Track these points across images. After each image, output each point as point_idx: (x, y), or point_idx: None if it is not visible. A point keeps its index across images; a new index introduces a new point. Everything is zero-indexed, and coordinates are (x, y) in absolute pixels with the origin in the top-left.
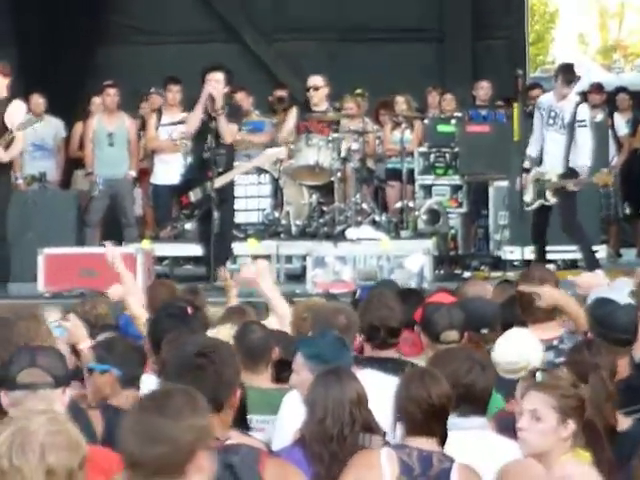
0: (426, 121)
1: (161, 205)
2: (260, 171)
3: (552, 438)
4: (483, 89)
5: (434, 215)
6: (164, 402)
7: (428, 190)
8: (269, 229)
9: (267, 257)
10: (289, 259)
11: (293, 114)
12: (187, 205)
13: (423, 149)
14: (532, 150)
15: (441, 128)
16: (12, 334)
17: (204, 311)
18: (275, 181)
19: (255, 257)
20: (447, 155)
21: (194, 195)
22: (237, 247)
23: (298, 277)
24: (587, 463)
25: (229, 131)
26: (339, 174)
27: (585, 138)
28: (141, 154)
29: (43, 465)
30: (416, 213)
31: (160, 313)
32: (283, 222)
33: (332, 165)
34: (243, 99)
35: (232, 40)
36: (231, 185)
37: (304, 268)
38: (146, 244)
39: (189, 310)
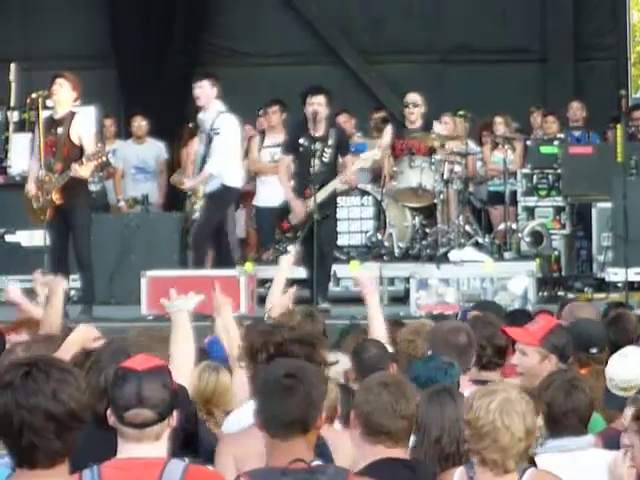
0: (529, 142)
1: (264, 227)
2: (363, 193)
3: None
4: (572, 110)
5: (537, 237)
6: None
7: (531, 212)
8: (372, 251)
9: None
10: (392, 281)
11: (388, 131)
12: (288, 229)
13: (526, 170)
14: None
15: (544, 149)
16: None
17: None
18: (378, 203)
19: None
20: (550, 176)
21: (294, 218)
22: (340, 269)
23: (401, 299)
24: None
25: (349, 175)
26: (442, 196)
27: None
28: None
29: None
30: (519, 235)
31: None
32: (386, 244)
33: (435, 187)
34: (346, 121)
35: (333, 62)
36: (333, 204)
37: (407, 290)
38: (249, 267)
39: None
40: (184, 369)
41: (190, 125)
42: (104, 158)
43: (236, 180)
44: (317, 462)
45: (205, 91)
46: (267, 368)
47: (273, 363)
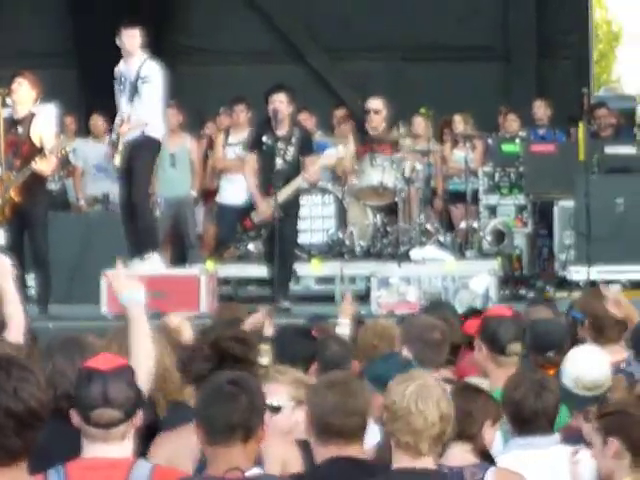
0: (490, 141)
1: (225, 225)
2: (324, 191)
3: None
4: (539, 108)
5: (499, 235)
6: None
7: (492, 210)
8: (333, 250)
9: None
10: (353, 280)
11: (351, 137)
12: (251, 227)
13: (487, 169)
14: None
15: (505, 148)
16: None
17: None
18: (339, 201)
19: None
20: (512, 175)
21: (257, 216)
22: (301, 268)
23: (362, 298)
24: None
25: (312, 173)
26: (403, 194)
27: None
28: (209, 174)
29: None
30: (481, 233)
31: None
32: (347, 242)
33: (396, 185)
34: (306, 119)
35: (296, 60)
36: (295, 202)
37: (368, 289)
38: (210, 265)
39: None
40: (144, 366)
41: None
42: (65, 150)
43: (159, 131)
44: (255, 471)
45: (132, 40)
46: (211, 376)
47: (217, 372)
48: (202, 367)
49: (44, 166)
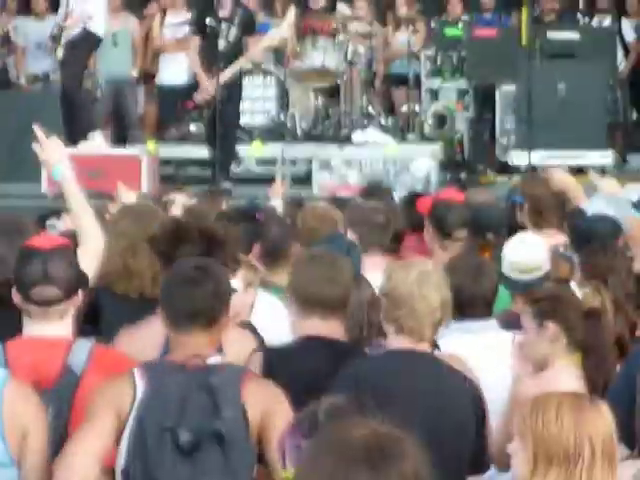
0: (433, 24)
1: (166, 106)
2: (266, 73)
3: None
4: None
5: (441, 119)
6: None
7: (434, 94)
8: (274, 131)
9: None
10: (294, 162)
11: (291, 10)
12: (194, 108)
13: (430, 52)
14: None
15: (448, 32)
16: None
17: None
18: (281, 83)
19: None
20: (454, 59)
21: (200, 95)
22: (242, 149)
23: (304, 180)
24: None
25: (255, 53)
26: (345, 77)
27: None
28: (148, 55)
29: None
30: (422, 117)
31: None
32: (288, 124)
33: (338, 68)
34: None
35: None
36: (237, 84)
37: (310, 171)
38: (151, 146)
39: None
40: (91, 252)
41: None
42: (3, 29)
43: (100, 26)
44: (215, 358)
45: None
46: (177, 263)
47: (183, 259)
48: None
49: None
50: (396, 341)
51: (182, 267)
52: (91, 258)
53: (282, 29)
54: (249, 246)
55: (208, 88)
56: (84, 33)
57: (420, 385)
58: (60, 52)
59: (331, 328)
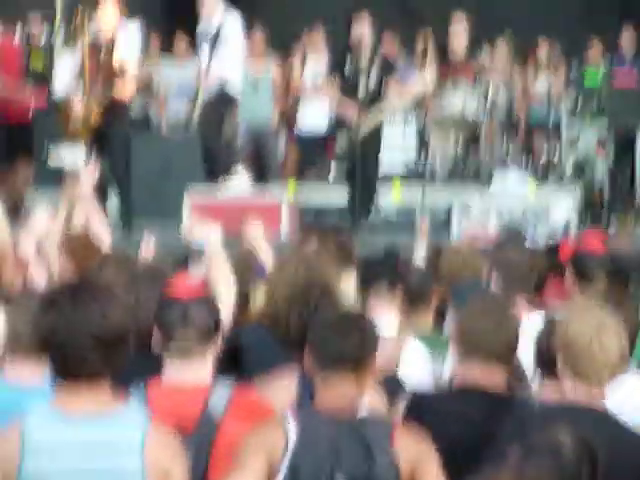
0: (573, 69)
1: (306, 152)
2: (405, 121)
3: None
4: (624, 35)
5: (581, 165)
6: None
7: (575, 140)
8: (414, 177)
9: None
10: (434, 208)
11: (432, 57)
12: (332, 157)
13: (570, 97)
14: None
15: (589, 76)
16: None
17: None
18: (421, 129)
19: None
20: (594, 104)
21: (338, 145)
22: (382, 197)
23: (443, 226)
24: None
25: (397, 99)
26: (485, 122)
27: None
28: (289, 100)
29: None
30: (562, 163)
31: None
32: (428, 170)
33: (478, 113)
34: (388, 42)
35: None
36: (377, 133)
37: (449, 218)
38: (291, 192)
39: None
40: (226, 301)
41: None
42: (147, 73)
43: (237, 88)
44: (364, 407)
45: (212, 2)
46: (326, 311)
47: (332, 307)
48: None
49: (124, 90)
50: (574, 391)
51: (332, 313)
52: (224, 307)
53: (425, 78)
54: (392, 291)
55: (352, 111)
56: (221, 95)
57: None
58: (197, 113)
59: (491, 377)
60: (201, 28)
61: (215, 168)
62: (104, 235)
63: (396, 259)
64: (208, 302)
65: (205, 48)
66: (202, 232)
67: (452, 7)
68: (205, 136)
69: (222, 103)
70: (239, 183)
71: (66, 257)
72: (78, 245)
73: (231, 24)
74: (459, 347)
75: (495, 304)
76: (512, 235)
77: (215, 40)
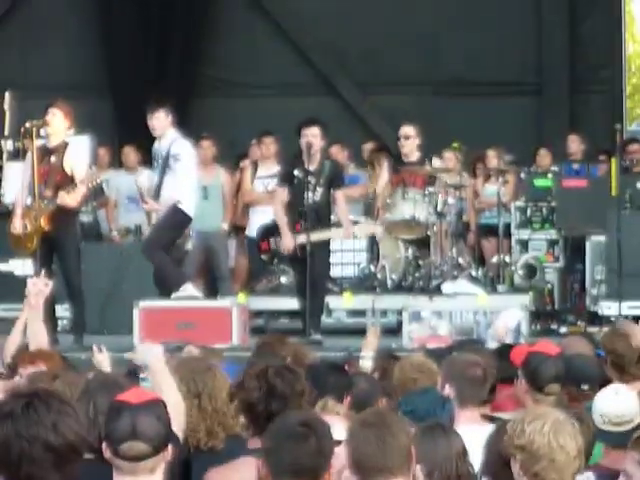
0: (522, 175)
1: (256, 258)
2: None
3: None
4: (573, 142)
5: (531, 270)
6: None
7: (524, 244)
8: (365, 283)
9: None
10: (385, 313)
11: (385, 166)
12: (266, 251)
13: (520, 203)
14: None
15: (538, 182)
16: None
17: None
18: (370, 239)
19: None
20: (544, 209)
21: (275, 243)
22: (332, 301)
23: (394, 331)
24: None
25: (342, 210)
26: (435, 228)
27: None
28: (239, 208)
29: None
30: (513, 268)
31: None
32: (379, 276)
33: (428, 219)
34: (338, 153)
35: (328, 93)
36: (326, 243)
37: (400, 323)
38: (241, 298)
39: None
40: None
41: None
42: (95, 182)
43: (191, 208)
44: None
45: (161, 122)
46: (281, 417)
47: (287, 413)
48: (250, 397)
49: (71, 198)
50: None
51: (287, 421)
52: (175, 414)
53: (374, 227)
54: (340, 397)
55: (288, 243)
56: (174, 211)
57: None
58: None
59: None
60: (155, 147)
61: (166, 283)
62: (50, 346)
63: (344, 366)
64: (158, 409)
65: (156, 167)
66: (144, 353)
67: (400, 119)
68: (155, 254)
69: (175, 222)
70: (189, 294)
71: (22, 367)
72: (32, 355)
73: (181, 144)
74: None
75: (381, 420)
76: (465, 342)
77: (166, 161)
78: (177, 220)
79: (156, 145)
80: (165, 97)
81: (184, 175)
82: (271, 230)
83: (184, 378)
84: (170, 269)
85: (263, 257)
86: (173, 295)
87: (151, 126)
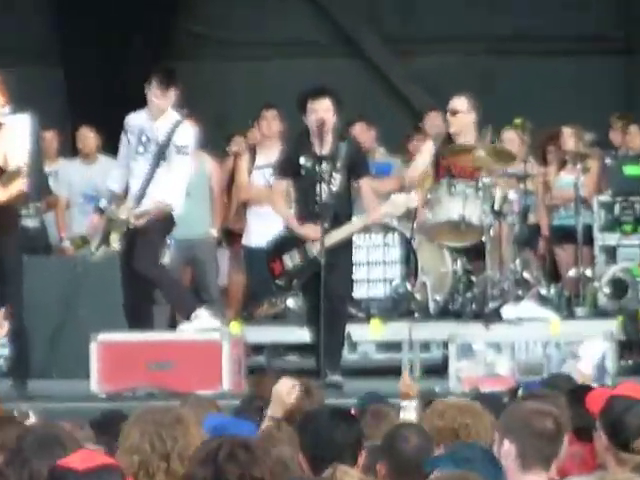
0: (608, 161)
1: (256, 274)
2: (386, 229)
3: None
4: None
5: (620, 287)
6: None
7: (612, 253)
8: (399, 307)
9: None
10: (426, 346)
11: (428, 149)
12: (280, 273)
13: (605, 198)
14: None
15: (628, 170)
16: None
17: None
18: (407, 242)
19: None
20: (637, 206)
21: (290, 259)
22: (356, 330)
23: (438, 371)
24: None
25: (369, 198)
26: (492, 232)
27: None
28: (233, 207)
29: None
30: (596, 284)
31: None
32: (418, 297)
33: (483, 220)
34: (362, 132)
35: (350, 53)
36: (346, 247)
37: (446, 358)
38: (235, 327)
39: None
40: None
41: None
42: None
43: (178, 210)
44: None
45: (170, 101)
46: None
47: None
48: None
49: (11, 192)
50: None
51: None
52: None
53: (411, 197)
54: (354, 456)
55: (314, 234)
56: (162, 217)
57: None
58: (116, 239)
59: None
60: (140, 122)
61: (139, 316)
62: None
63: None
64: (109, 476)
65: (142, 153)
66: None
67: (447, 84)
68: (154, 270)
69: (161, 233)
70: (206, 324)
71: None
72: None
73: (188, 133)
74: None
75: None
76: (530, 386)
77: (162, 151)
78: (165, 227)
79: (142, 122)
80: (171, 67)
81: (183, 173)
82: (282, 244)
83: (147, 433)
84: (178, 290)
85: (278, 283)
86: (183, 326)
87: (157, 107)
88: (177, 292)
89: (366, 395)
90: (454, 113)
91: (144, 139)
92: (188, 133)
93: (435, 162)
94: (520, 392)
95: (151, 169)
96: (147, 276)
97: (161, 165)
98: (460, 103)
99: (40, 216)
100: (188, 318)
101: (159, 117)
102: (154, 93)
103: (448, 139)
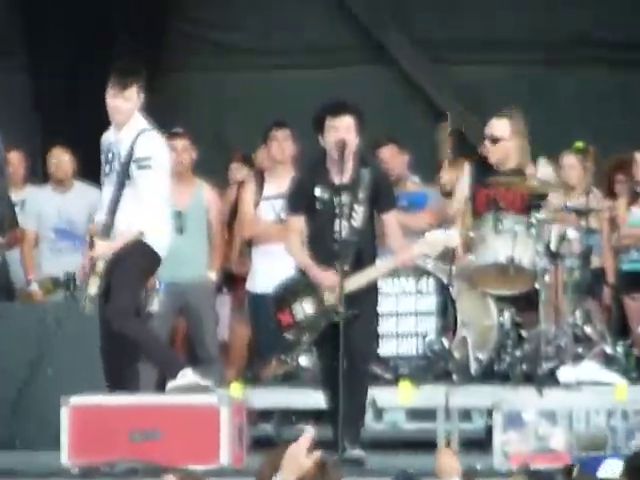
0: None
1: (263, 326)
2: (419, 273)
3: None
4: None
5: None
6: None
7: None
8: (434, 367)
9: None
10: (466, 415)
11: (465, 175)
12: (289, 325)
13: None
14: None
15: None
16: None
17: None
18: (444, 290)
19: None
20: None
21: (302, 309)
22: (382, 395)
23: (480, 444)
24: None
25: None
26: (547, 278)
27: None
28: (235, 246)
29: None
30: None
31: None
32: (456, 355)
33: (536, 264)
34: (392, 157)
35: (375, 59)
36: (370, 295)
37: (490, 430)
38: (236, 389)
39: None
40: None
41: None
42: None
43: (161, 242)
44: None
45: (131, 103)
46: None
47: None
48: None
49: None
50: None
51: None
52: None
53: (451, 234)
54: None
55: (331, 281)
56: (137, 250)
57: None
58: (94, 285)
59: None
60: (107, 138)
61: (118, 370)
62: None
63: None
64: None
65: (107, 174)
66: None
67: (491, 98)
68: (129, 324)
69: (141, 259)
70: (192, 383)
71: None
72: None
73: (151, 142)
74: None
75: None
76: (588, 464)
77: (125, 169)
78: (143, 264)
79: (110, 137)
80: (136, 61)
81: (152, 191)
82: (293, 290)
83: None
84: (157, 346)
85: (288, 336)
86: (169, 386)
87: (114, 109)
88: (158, 348)
89: (396, 474)
90: (494, 141)
91: (110, 157)
92: (150, 142)
93: (472, 193)
94: (575, 472)
95: (115, 192)
96: (120, 329)
97: (127, 185)
98: (501, 128)
99: (3, 254)
100: (174, 376)
101: (122, 127)
102: (108, 94)
103: (485, 163)
